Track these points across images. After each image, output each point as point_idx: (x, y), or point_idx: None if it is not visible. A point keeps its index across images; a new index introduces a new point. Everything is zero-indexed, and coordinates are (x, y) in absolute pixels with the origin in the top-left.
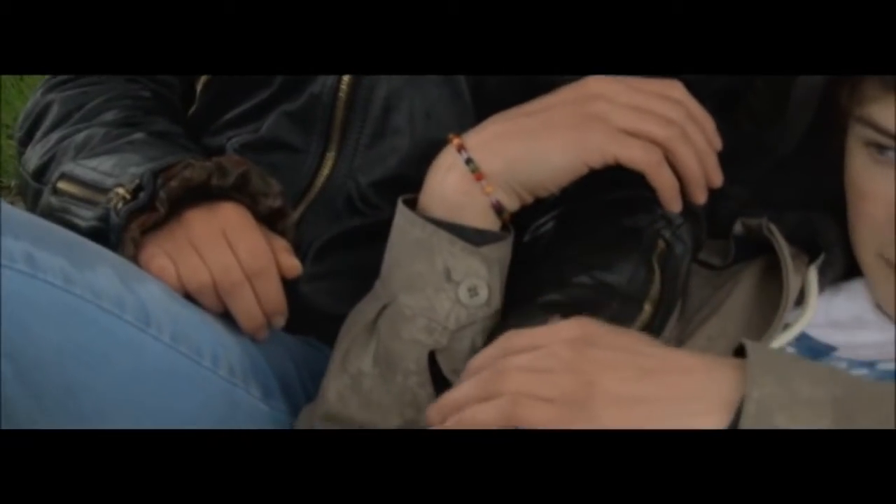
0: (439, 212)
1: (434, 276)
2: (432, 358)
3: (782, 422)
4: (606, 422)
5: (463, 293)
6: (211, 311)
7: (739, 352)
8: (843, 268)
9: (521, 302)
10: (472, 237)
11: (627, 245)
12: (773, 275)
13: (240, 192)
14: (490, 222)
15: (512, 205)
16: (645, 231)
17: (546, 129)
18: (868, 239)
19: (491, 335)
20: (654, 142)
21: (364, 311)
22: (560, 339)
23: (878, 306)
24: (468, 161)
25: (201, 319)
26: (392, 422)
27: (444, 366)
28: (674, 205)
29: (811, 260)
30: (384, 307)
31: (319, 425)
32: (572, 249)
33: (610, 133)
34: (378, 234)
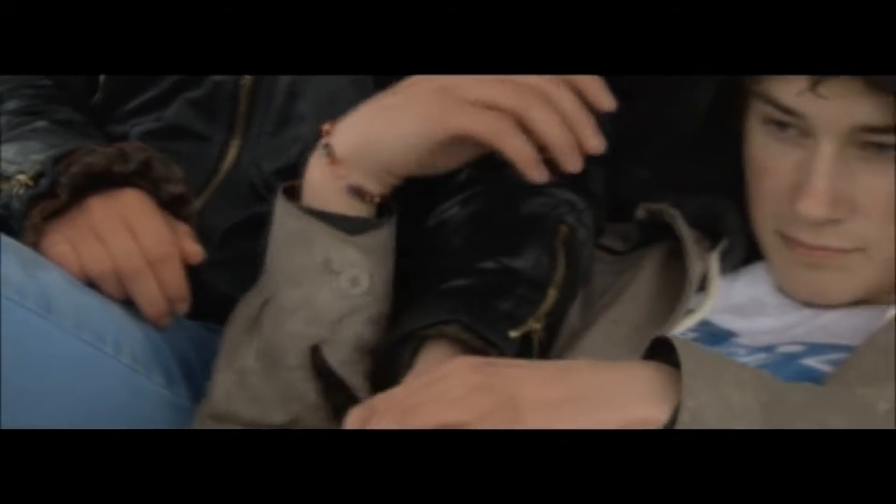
0: (314, 202)
1: (314, 268)
2: (318, 352)
3: (715, 424)
4: (538, 425)
5: (344, 283)
6: (113, 298)
7: (656, 345)
8: (745, 253)
9: (426, 288)
10: (349, 226)
11: (531, 230)
12: (675, 260)
13: (142, 179)
14: (358, 208)
15: (375, 188)
16: (548, 216)
17: (398, 107)
18: (767, 216)
19: (381, 322)
20: (503, 110)
21: (247, 305)
22: (460, 369)
23: (779, 291)
24: (325, 146)
25: (103, 306)
26: (277, 417)
27: (331, 358)
28: (533, 174)
29: (713, 245)
30: (266, 301)
31: (210, 425)
32: (477, 234)
33: (455, 104)
34: None
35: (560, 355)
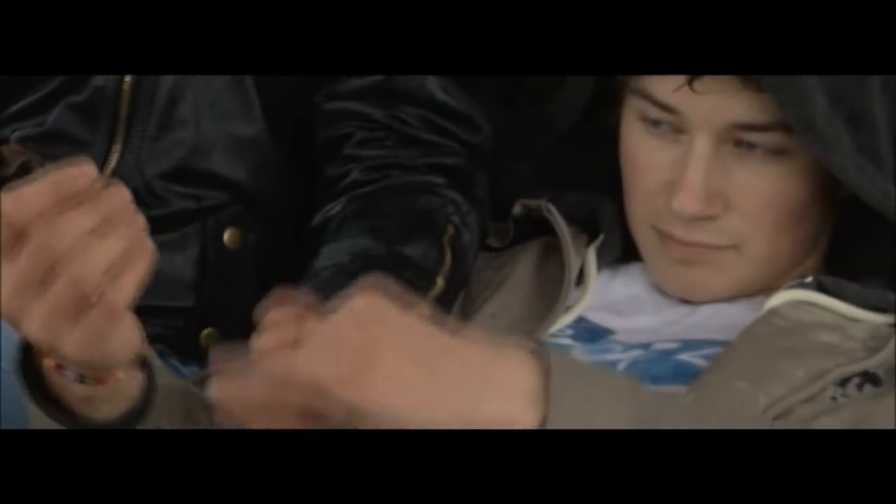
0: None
1: None
2: None
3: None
4: (378, 401)
5: None
6: None
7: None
8: (621, 249)
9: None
10: (127, 423)
11: (420, 223)
12: (552, 255)
13: (20, 182)
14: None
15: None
16: (437, 212)
17: None
18: (642, 212)
19: None
20: None
21: None
22: (349, 316)
23: (656, 288)
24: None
25: None
26: None
27: None
28: None
29: (590, 241)
30: None
31: None
32: (366, 225)
33: None
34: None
35: None
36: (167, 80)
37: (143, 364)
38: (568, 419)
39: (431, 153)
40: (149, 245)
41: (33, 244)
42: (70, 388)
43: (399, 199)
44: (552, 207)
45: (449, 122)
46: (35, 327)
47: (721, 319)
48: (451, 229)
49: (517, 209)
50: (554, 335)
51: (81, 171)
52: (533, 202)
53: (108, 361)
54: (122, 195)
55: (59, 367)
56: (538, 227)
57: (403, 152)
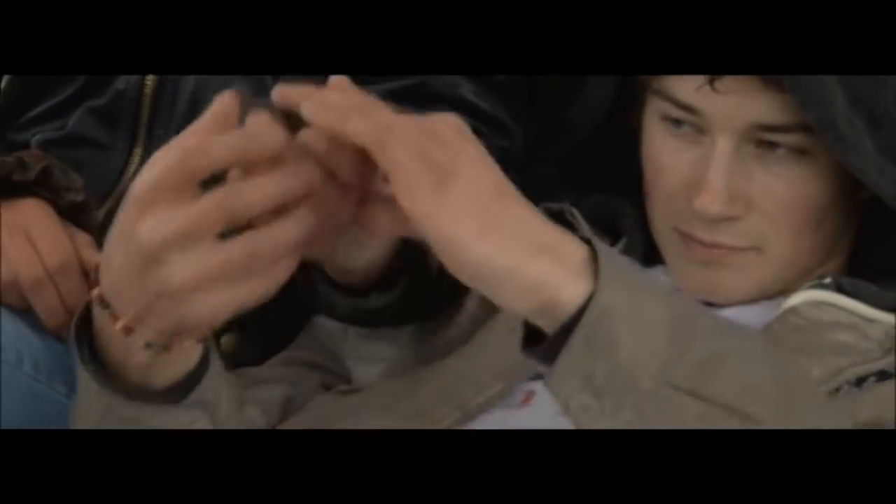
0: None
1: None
2: None
3: (621, 333)
4: (445, 221)
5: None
6: (14, 309)
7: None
8: (643, 254)
9: None
10: (177, 395)
11: None
12: None
13: (41, 187)
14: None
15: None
16: None
17: None
18: (664, 213)
19: None
20: None
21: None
22: (433, 133)
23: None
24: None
25: (4, 316)
26: None
27: None
28: None
29: (612, 244)
30: None
31: None
32: None
33: None
34: None
35: (462, 340)
36: (188, 83)
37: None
38: (613, 299)
39: None
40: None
41: (216, 199)
42: (129, 355)
43: None
44: (575, 211)
45: (481, 124)
46: (189, 274)
47: (742, 320)
48: None
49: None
50: None
51: (271, 136)
52: (556, 206)
53: (192, 334)
54: (312, 168)
55: (129, 329)
56: None
57: None
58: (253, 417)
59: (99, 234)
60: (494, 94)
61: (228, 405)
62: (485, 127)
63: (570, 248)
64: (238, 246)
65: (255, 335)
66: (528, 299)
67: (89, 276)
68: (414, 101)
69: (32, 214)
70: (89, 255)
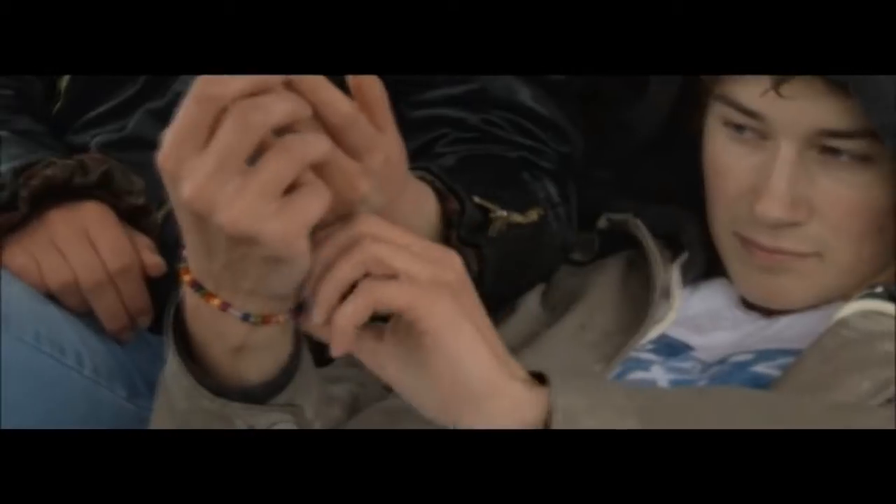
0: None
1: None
2: None
3: (590, 423)
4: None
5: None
6: (75, 311)
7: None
8: (705, 266)
9: None
10: (263, 394)
11: (517, 182)
12: (636, 270)
13: (102, 190)
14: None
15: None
16: (531, 187)
17: None
18: (725, 218)
19: None
20: None
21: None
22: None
23: (736, 305)
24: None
25: (64, 319)
26: None
27: None
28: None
29: (673, 256)
30: None
31: None
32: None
33: None
34: None
35: (521, 349)
36: None
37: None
38: (570, 405)
39: (525, 154)
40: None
41: (236, 119)
42: (225, 339)
43: (494, 168)
44: (639, 223)
45: (540, 129)
46: (239, 211)
47: (797, 329)
48: (540, 209)
49: (602, 222)
50: (636, 349)
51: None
52: (619, 216)
53: (281, 287)
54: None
55: (226, 305)
56: (622, 241)
57: (498, 147)
58: (336, 415)
59: (159, 236)
60: (553, 99)
61: (317, 407)
62: (543, 132)
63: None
64: (267, 159)
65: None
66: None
67: (149, 279)
68: (472, 106)
69: (93, 217)
70: (150, 258)
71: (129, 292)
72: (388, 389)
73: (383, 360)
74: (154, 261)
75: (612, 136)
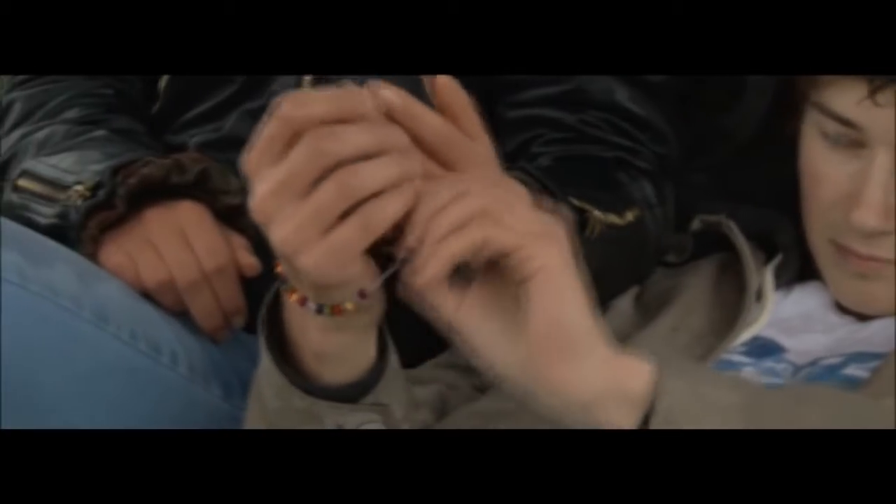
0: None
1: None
2: None
3: (695, 408)
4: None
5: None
6: (170, 310)
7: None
8: (798, 269)
9: None
10: (353, 393)
11: (610, 188)
12: (729, 272)
13: (199, 189)
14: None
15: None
16: (627, 188)
17: None
18: (820, 224)
19: None
20: None
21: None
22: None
23: (828, 308)
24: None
25: (160, 317)
26: None
27: None
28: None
29: (766, 258)
30: None
31: None
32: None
33: None
34: None
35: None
36: (343, 84)
37: (380, 336)
38: (672, 404)
39: (622, 154)
40: (418, 190)
41: (308, 144)
42: (308, 333)
43: (591, 168)
44: (732, 225)
45: (637, 130)
46: (287, 230)
47: (889, 333)
48: (637, 210)
49: (696, 224)
50: (727, 351)
51: (366, 94)
52: (712, 218)
53: (342, 285)
54: (402, 134)
55: (304, 300)
56: (715, 243)
57: (594, 147)
58: (425, 418)
59: (255, 236)
60: (650, 100)
61: (406, 408)
62: (641, 133)
63: (627, 386)
64: (319, 190)
65: (412, 339)
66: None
67: (245, 279)
68: (569, 106)
69: (190, 216)
70: (245, 258)
71: (225, 292)
72: (478, 391)
73: (465, 313)
74: (249, 261)
75: (707, 141)
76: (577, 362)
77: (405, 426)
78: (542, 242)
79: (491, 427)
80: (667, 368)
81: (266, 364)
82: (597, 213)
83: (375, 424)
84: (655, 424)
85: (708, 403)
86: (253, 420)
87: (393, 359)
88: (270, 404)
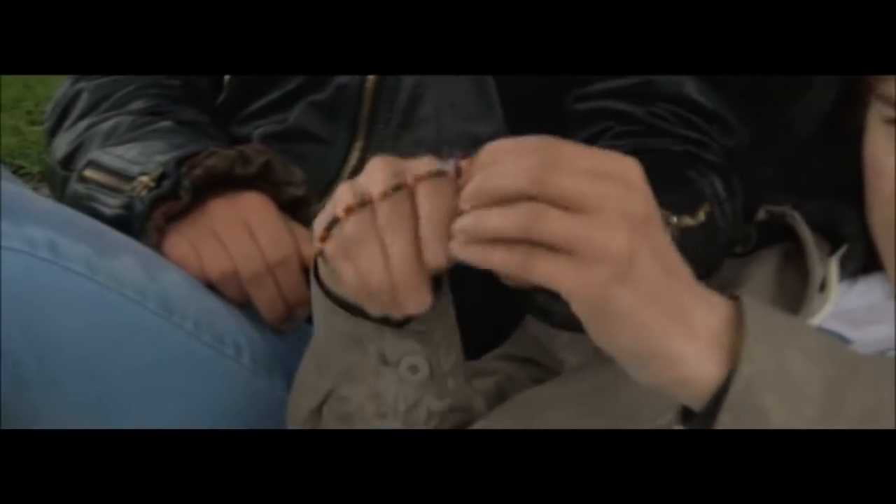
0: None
1: (370, 362)
2: None
3: (769, 403)
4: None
5: (404, 372)
6: (233, 301)
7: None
8: (863, 260)
9: None
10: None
11: (682, 187)
12: (792, 262)
13: (263, 181)
14: None
15: None
16: (697, 184)
17: None
18: (883, 217)
19: (455, 393)
20: None
21: (307, 395)
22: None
23: (892, 298)
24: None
25: (224, 308)
26: None
27: None
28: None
29: (831, 249)
30: (328, 393)
31: None
32: None
33: None
34: None
35: None
36: (409, 80)
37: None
38: (759, 367)
39: (691, 147)
40: None
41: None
42: None
43: (662, 166)
44: (797, 215)
45: (705, 122)
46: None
47: None
48: (707, 206)
49: (761, 214)
50: None
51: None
52: (777, 209)
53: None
54: None
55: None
56: (778, 232)
57: (663, 141)
58: (479, 408)
59: None
60: (718, 92)
61: (455, 362)
62: (709, 125)
63: (707, 320)
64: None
65: (474, 332)
66: (662, 377)
67: (308, 270)
68: (638, 99)
69: (253, 208)
70: (308, 249)
71: (288, 283)
72: (535, 382)
73: None
74: (312, 252)
75: (773, 133)
76: (645, 369)
77: (451, 383)
78: (583, 277)
79: (542, 416)
80: (754, 328)
81: (314, 291)
82: (672, 217)
83: (418, 358)
84: (734, 393)
85: (790, 380)
86: (303, 371)
87: (447, 305)
88: (318, 333)
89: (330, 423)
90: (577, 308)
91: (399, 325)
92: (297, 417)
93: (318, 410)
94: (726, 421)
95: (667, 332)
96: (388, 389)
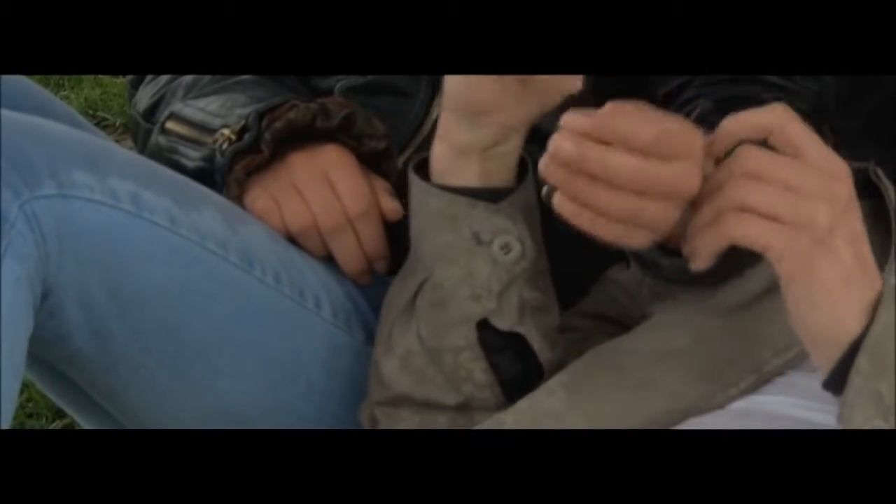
0: (446, 177)
1: (464, 243)
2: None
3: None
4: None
5: (496, 252)
6: (314, 254)
7: None
8: None
9: None
10: (490, 196)
11: None
12: (874, 220)
13: (344, 134)
14: (491, 174)
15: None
16: None
17: None
18: None
19: (541, 281)
20: None
21: (401, 289)
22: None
23: None
24: None
25: (304, 262)
26: (449, 399)
27: (501, 326)
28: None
29: None
30: (422, 283)
31: (380, 412)
32: None
33: None
34: None
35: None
36: None
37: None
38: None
39: (778, 93)
40: None
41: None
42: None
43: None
44: (880, 171)
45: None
46: None
47: None
48: None
49: None
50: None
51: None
52: (861, 165)
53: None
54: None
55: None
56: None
57: (751, 88)
58: (556, 355)
59: (398, 181)
60: None
61: (544, 269)
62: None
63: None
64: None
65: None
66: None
67: (388, 224)
68: None
69: (334, 161)
70: (388, 202)
71: (368, 236)
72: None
73: None
74: (392, 205)
75: (860, 88)
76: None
77: (541, 282)
78: (788, 240)
79: (613, 366)
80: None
81: (411, 180)
82: None
83: (510, 238)
84: (871, 338)
85: None
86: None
87: (529, 190)
88: (414, 223)
89: (423, 314)
90: (784, 269)
91: (493, 202)
92: (387, 321)
93: (412, 303)
94: (863, 367)
95: (850, 315)
96: (481, 269)
